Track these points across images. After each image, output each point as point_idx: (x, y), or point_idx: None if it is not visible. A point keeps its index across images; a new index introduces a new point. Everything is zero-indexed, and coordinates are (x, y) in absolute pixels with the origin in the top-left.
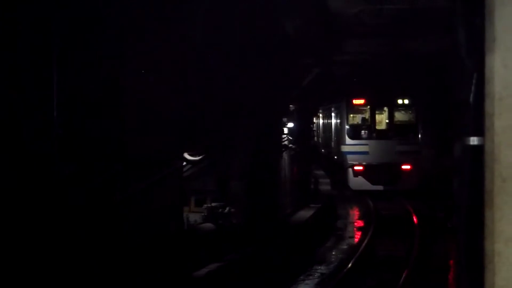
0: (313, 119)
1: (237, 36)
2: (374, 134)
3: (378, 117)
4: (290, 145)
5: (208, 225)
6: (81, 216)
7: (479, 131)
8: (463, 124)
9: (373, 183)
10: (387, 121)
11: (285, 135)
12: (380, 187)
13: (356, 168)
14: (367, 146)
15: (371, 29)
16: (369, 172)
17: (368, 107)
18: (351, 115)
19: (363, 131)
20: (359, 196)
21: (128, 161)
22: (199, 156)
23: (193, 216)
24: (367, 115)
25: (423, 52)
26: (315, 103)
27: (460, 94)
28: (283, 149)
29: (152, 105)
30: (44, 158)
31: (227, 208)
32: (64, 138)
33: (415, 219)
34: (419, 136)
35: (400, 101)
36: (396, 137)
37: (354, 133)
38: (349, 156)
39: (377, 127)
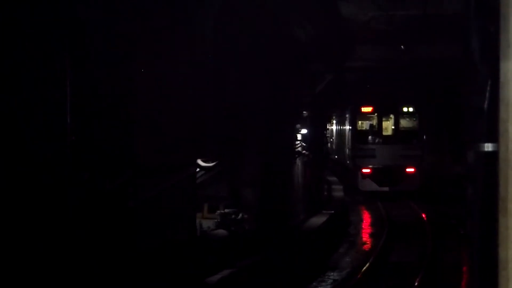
0: (326, 126)
1: (250, 43)
2: (381, 140)
3: (384, 123)
4: (304, 151)
5: (221, 231)
6: (94, 222)
7: (493, 137)
8: (477, 130)
9: (379, 184)
10: (392, 127)
11: (298, 141)
12: (386, 188)
13: (364, 170)
14: (374, 150)
15: (382, 35)
16: (376, 175)
17: (376, 114)
18: (360, 122)
19: (370, 137)
20: (371, 203)
21: (141, 167)
22: (212, 162)
23: (206, 223)
24: (374, 122)
25: (431, 58)
26: (328, 109)
27: (474, 100)
28: (296, 155)
29: (165, 112)
30: (57, 165)
31: (240, 215)
32: (77, 144)
33: (427, 226)
34: (422, 141)
35: (405, 109)
36: (401, 142)
37: (363, 138)
38: (357, 160)
39: (384, 133)
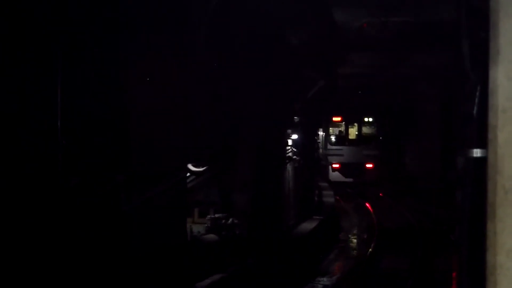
0: (317, 131)
1: (243, 48)
2: (347, 142)
3: (350, 130)
4: (294, 157)
5: (212, 236)
6: (85, 227)
7: (482, 143)
8: (467, 136)
9: (346, 176)
10: (356, 133)
11: (289, 147)
12: (351, 179)
13: (334, 165)
14: (342, 150)
15: (375, 41)
16: (343, 169)
17: (343, 123)
18: (331, 129)
19: (339, 140)
20: (362, 209)
21: (132, 172)
22: (203, 167)
23: (197, 227)
24: (342, 129)
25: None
26: (319, 115)
27: (463, 106)
28: (287, 161)
29: (156, 116)
30: (47, 169)
31: (231, 220)
32: (68, 149)
33: (418, 232)
34: (379, 144)
35: (366, 119)
36: (363, 144)
37: (333, 141)
38: (329, 157)
39: (349, 137)
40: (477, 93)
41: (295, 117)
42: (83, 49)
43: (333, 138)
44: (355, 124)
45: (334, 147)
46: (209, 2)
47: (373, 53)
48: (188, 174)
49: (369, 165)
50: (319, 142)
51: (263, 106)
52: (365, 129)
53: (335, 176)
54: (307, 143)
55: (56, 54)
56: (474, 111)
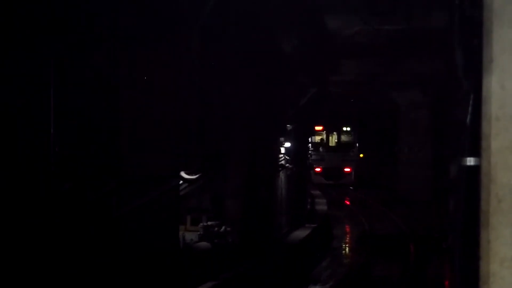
0: (309, 139)
1: (235, 56)
2: (328, 149)
3: (330, 138)
4: (287, 165)
5: (204, 244)
6: (77, 232)
7: (476, 152)
8: (460, 144)
9: (326, 179)
10: (336, 141)
11: (282, 155)
12: (331, 182)
13: (316, 169)
14: (323, 156)
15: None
16: (324, 172)
17: (324, 131)
18: (314, 136)
19: (321, 147)
20: (354, 217)
21: (124, 179)
22: (195, 174)
23: (189, 235)
24: (324, 137)
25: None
26: (311, 123)
27: (456, 114)
28: (280, 169)
29: (149, 123)
30: (40, 175)
31: (223, 227)
32: (61, 155)
33: (410, 240)
34: (356, 151)
35: (344, 129)
36: (341, 151)
37: (316, 147)
38: (312, 162)
39: (330, 144)
40: (470, 101)
41: (288, 125)
42: (76, 56)
43: (315, 145)
44: (335, 133)
45: (316, 153)
46: (203, 8)
47: (362, 60)
48: (181, 181)
49: (347, 169)
50: (312, 150)
51: (255, 113)
52: (343, 137)
53: (317, 179)
54: (300, 151)
55: (49, 62)
56: (467, 119)
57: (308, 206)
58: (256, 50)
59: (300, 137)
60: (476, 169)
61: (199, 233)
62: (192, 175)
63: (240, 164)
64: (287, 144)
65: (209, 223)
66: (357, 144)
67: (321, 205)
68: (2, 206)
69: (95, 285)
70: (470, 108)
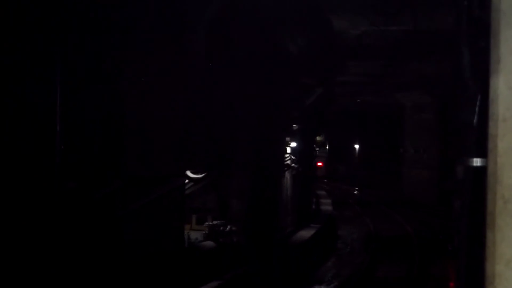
0: (315, 139)
1: (241, 55)
2: None
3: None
4: (293, 165)
5: (209, 243)
6: (81, 231)
7: (482, 153)
8: (466, 145)
9: None
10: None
11: (287, 155)
12: None
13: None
14: None
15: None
16: None
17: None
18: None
19: None
20: (359, 217)
21: (129, 177)
22: (201, 174)
23: (194, 234)
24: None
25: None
26: (317, 123)
27: (463, 115)
28: (285, 169)
29: (154, 122)
30: (45, 173)
31: (228, 227)
32: (66, 153)
33: (415, 241)
34: (328, 152)
35: (318, 138)
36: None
37: None
38: None
39: None
40: (477, 102)
41: (294, 125)
42: (82, 55)
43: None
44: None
45: None
46: (207, 8)
47: (368, 61)
48: (187, 180)
49: (319, 164)
50: (317, 150)
51: (261, 113)
52: (318, 138)
53: None
54: (305, 151)
55: (55, 59)
56: (474, 120)
57: (313, 206)
58: (262, 50)
59: (306, 137)
60: (482, 170)
61: (204, 232)
62: (198, 174)
63: (245, 164)
64: (293, 144)
65: (214, 222)
66: (327, 146)
67: (326, 205)
68: (7, 204)
69: (99, 284)
70: (476, 109)
